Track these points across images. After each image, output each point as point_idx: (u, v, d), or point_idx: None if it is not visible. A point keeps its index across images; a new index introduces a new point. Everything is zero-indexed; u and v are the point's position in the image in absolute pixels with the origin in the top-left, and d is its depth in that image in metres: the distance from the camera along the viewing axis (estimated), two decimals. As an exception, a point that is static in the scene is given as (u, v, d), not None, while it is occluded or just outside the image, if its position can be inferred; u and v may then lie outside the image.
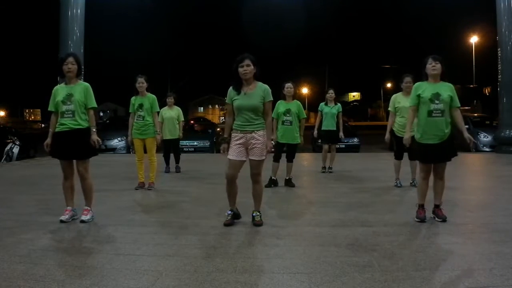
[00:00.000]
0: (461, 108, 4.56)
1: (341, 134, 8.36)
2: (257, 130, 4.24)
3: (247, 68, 4.17)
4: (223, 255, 3.42)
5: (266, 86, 4.29)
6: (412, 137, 4.53)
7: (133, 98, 6.61)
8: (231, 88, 4.32)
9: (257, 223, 4.31)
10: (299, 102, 6.83)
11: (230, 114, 4.38)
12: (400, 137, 6.36)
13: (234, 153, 4.25)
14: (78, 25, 13.07)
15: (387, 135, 6.65)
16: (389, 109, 6.71)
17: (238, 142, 4.25)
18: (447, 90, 4.35)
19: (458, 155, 4.46)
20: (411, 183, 6.50)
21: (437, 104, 4.29)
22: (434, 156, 4.35)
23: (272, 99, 4.34)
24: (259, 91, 4.24)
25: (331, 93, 8.26)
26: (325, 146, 8.39)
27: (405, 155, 6.48)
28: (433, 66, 4.34)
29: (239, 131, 4.26)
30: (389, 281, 2.86)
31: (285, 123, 6.60)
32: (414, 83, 6.36)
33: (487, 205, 5.33)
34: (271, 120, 4.40)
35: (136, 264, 3.22)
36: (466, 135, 4.33)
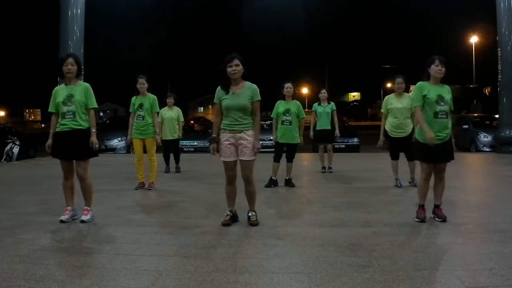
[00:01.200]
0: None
1: (336, 132, 8.37)
2: (246, 130, 4.22)
3: (235, 68, 4.16)
4: (223, 255, 3.42)
5: (255, 86, 4.28)
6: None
7: (133, 98, 6.62)
8: (219, 87, 4.30)
9: (252, 223, 4.31)
10: (298, 102, 6.84)
11: (218, 113, 4.35)
12: (394, 137, 6.41)
13: (225, 154, 4.24)
14: (78, 25, 13.06)
15: (381, 138, 6.65)
16: (381, 110, 6.73)
17: (227, 142, 4.24)
18: (447, 92, 4.38)
19: (454, 159, 4.46)
20: (410, 182, 6.51)
21: (442, 105, 4.30)
22: (437, 156, 4.35)
23: (260, 98, 4.30)
24: (247, 91, 4.22)
25: (323, 93, 8.27)
26: (321, 146, 8.43)
27: (402, 155, 6.49)
28: (439, 69, 4.31)
29: (227, 131, 4.25)
30: (389, 281, 2.86)
31: (284, 123, 6.61)
32: (405, 84, 6.44)
33: (487, 205, 5.33)
34: (260, 120, 4.37)
35: (136, 264, 3.22)
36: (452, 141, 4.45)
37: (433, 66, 4.34)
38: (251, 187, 4.37)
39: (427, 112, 4.33)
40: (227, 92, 4.23)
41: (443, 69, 4.32)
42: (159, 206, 5.47)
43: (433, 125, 4.31)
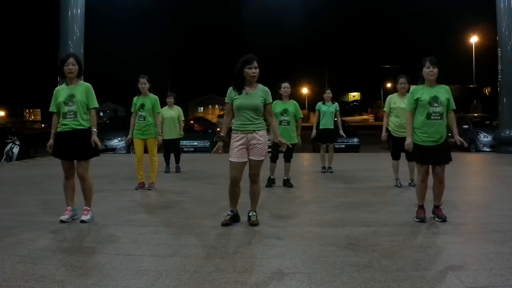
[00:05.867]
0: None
1: (341, 132, 8.38)
2: (258, 130, 4.25)
3: (255, 70, 4.20)
4: (223, 255, 3.42)
5: (266, 88, 4.34)
6: None
7: (135, 98, 6.62)
8: (231, 87, 4.33)
9: (253, 223, 4.31)
10: (295, 102, 6.84)
11: (228, 113, 4.39)
12: (396, 137, 6.42)
13: (235, 155, 4.24)
14: (78, 25, 13.05)
15: (384, 134, 6.67)
16: (384, 109, 6.76)
17: (238, 143, 4.24)
18: (444, 93, 4.38)
19: (452, 160, 4.45)
20: (410, 183, 6.51)
21: (436, 107, 4.31)
22: (431, 158, 4.35)
23: (272, 101, 4.39)
24: (260, 92, 4.28)
25: (328, 93, 8.28)
26: (323, 145, 8.42)
27: (403, 155, 6.49)
28: (430, 71, 4.34)
29: (239, 132, 4.26)
30: (389, 281, 2.86)
31: (282, 123, 6.58)
32: (408, 84, 6.44)
33: (487, 205, 5.33)
34: (275, 121, 4.43)
35: (136, 264, 3.22)
36: (457, 137, 4.42)
37: (424, 69, 4.38)
38: (257, 186, 4.40)
39: (421, 113, 4.36)
40: (239, 93, 4.25)
41: (435, 70, 4.33)
42: (159, 206, 5.47)
43: (426, 126, 4.33)
